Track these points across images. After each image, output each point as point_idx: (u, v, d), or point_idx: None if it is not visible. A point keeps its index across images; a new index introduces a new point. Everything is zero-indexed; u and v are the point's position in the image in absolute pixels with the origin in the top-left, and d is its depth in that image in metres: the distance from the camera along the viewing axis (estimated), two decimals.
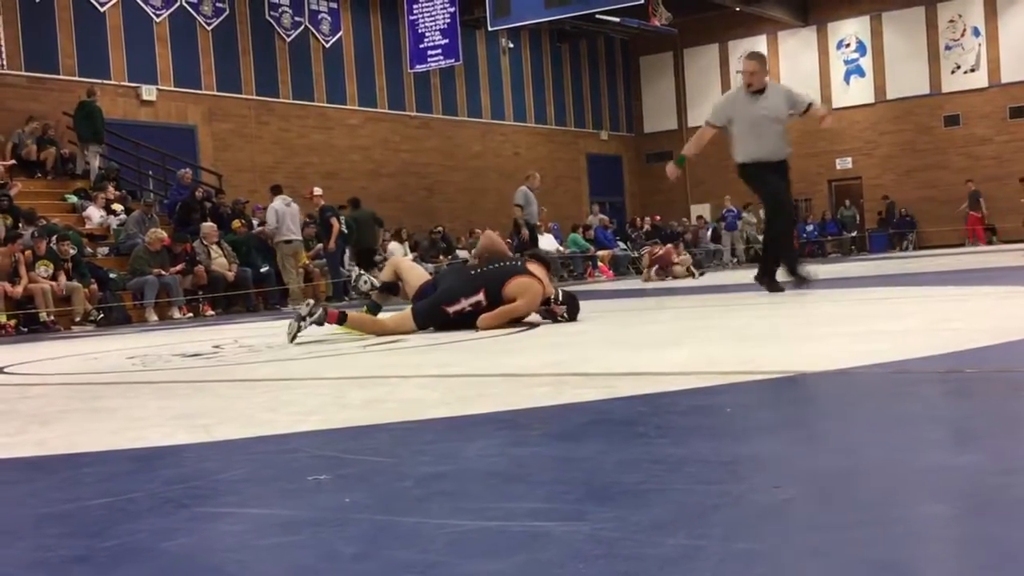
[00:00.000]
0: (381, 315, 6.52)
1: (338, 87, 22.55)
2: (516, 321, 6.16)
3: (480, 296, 6.10)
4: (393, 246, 19.19)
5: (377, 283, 6.60)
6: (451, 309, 6.14)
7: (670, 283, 14.76)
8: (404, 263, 7.21)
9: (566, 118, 29.14)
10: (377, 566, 1.42)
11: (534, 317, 6.37)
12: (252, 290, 15.65)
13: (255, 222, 17.25)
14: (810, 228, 27.39)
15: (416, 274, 6.69)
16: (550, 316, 6.27)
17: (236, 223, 16.73)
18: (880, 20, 27.85)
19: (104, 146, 17.48)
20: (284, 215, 15.84)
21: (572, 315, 6.27)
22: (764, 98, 7.93)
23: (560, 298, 6.26)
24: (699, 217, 27.72)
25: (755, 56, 8.25)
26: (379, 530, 1.62)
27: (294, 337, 6.08)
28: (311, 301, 6.36)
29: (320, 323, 6.08)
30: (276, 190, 16.30)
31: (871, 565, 1.27)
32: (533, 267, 6.28)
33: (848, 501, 1.61)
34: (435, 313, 6.22)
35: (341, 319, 6.16)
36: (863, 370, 3.11)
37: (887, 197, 27.97)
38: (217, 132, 20.18)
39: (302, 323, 6.06)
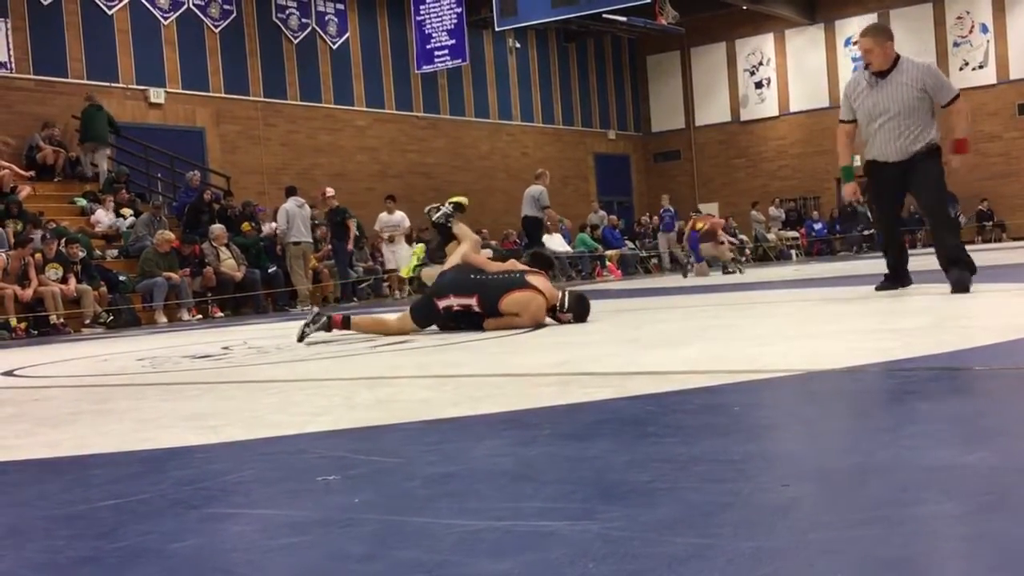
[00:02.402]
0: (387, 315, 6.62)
1: (345, 88, 22.57)
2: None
3: (472, 300, 6.04)
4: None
5: (310, 331, 6.31)
6: (441, 304, 6.15)
7: (691, 280, 14.69)
8: (467, 240, 6.79)
9: (573, 118, 29.11)
10: (386, 566, 1.42)
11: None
12: (261, 292, 15.68)
13: (264, 225, 17.25)
14: (819, 226, 27.34)
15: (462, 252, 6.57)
16: (558, 321, 6.17)
17: (246, 225, 16.73)
18: (888, 17, 27.74)
19: (112, 148, 17.51)
20: (295, 216, 15.89)
21: (581, 318, 6.15)
22: (891, 78, 6.30)
23: (567, 305, 6.10)
24: (708, 215, 27.68)
25: (869, 31, 6.56)
26: (388, 530, 1.62)
27: (301, 339, 6.25)
28: (316, 309, 6.50)
29: (327, 329, 6.26)
30: (290, 191, 16.36)
31: (880, 563, 1.27)
32: (534, 279, 6.14)
33: (857, 499, 1.61)
34: (429, 306, 6.23)
35: (345, 323, 6.30)
36: (871, 368, 3.10)
37: None
38: (225, 134, 20.21)
39: (307, 329, 6.25)
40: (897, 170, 6.36)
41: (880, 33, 6.52)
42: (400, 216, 18.53)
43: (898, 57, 6.39)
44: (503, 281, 6.09)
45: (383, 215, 18.57)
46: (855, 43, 28.58)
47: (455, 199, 6.97)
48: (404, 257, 18.05)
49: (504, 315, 6.00)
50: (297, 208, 15.97)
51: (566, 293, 6.21)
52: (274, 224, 16.61)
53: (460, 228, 6.80)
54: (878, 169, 6.47)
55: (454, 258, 6.45)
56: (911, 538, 1.38)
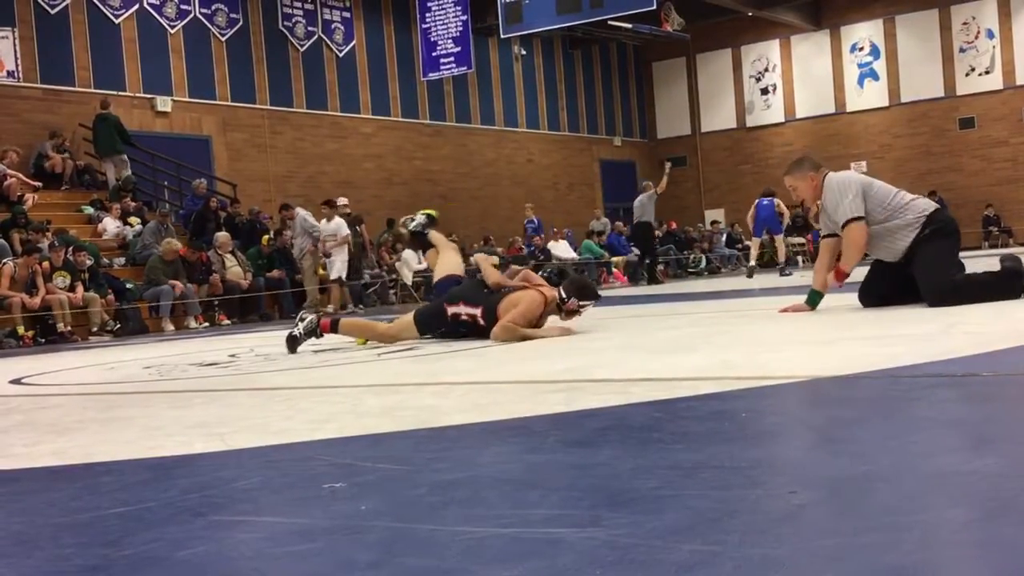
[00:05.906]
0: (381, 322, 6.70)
1: (351, 96, 22.61)
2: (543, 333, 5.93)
3: (478, 311, 6.07)
4: (407, 254, 19.10)
5: (302, 331, 6.32)
6: (451, 310, 6.20)
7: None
8: (448, 248, 7.12)
9: (579, 124, 29.13)
10: (392, 573, 1.42)
11: (572, 323, 6.13)
12: (264, 292, 15.69)
13: (290, 235, 16.92)
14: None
15: (451, 259, 6.77)
16: (572, 314, 6.03)
17: (265, 238, 16.68)
18: (893, 23, 27.75)
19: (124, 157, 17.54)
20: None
21: (585, 296, 6.03)
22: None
23: (564, 295, 5.98)
24: (713, 222, 27.70)
25: (788, 168, 6.09)
26: (394, 537, 1.62)
27: (294, 350, 6.29)
28: (303, 312, 6.70)
29: (316, 334, 6.33)
30: (288, 207, 16.49)
31: (886, 570, 1.27)
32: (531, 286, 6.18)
33: (863, 506, 1.60)
34: (439, 311, 6.27)
35: (333, 326, 6.38)
36: (878, 374, 3.10)
37: None
38: (231, 142, 20.25)
39: (294, 332, 6.32)
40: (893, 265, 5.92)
41: (799, 167, 5.94)
42: (337, 224, 16.55)
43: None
44: (504, 293, 6.13)
45: (322, 222, 16.31)
46: (861, 48, 28.63)
47: (427, 211, 7.25)
48: (340, 267, 16.01)
49: (499, 319, 5.96)
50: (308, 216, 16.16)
51: (560, 288, 6.14)
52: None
53: (435, 236, 7.10)
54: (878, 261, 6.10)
55: (447, 266, 6.62)
56: (918, 545, 1.37)
